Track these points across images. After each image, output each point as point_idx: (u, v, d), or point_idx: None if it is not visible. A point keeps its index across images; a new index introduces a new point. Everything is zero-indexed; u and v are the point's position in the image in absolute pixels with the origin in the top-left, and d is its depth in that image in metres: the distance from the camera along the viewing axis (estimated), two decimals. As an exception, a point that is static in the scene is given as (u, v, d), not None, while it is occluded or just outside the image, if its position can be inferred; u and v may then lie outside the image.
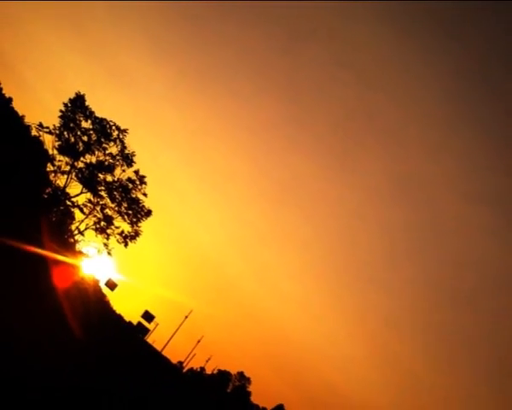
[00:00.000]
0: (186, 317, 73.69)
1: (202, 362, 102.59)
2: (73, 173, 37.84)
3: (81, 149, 37.76)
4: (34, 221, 30.37)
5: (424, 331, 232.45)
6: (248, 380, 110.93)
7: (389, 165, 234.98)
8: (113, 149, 38.46)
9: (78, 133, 37.59)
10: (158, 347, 66.21)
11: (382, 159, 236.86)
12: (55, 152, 37.31)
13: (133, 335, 58.40)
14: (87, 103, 37.54)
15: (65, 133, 37.29)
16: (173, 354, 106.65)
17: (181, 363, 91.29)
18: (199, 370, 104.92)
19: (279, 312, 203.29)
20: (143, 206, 39.75)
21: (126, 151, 38.62)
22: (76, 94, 37.39)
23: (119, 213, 39.33)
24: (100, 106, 38.95)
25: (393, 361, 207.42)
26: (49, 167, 37.39)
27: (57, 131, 37.02)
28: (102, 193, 38.84)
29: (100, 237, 39.19)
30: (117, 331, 47.14)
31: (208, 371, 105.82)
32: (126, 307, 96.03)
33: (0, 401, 12.89)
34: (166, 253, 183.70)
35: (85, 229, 39.35)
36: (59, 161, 37.55)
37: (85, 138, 37.79)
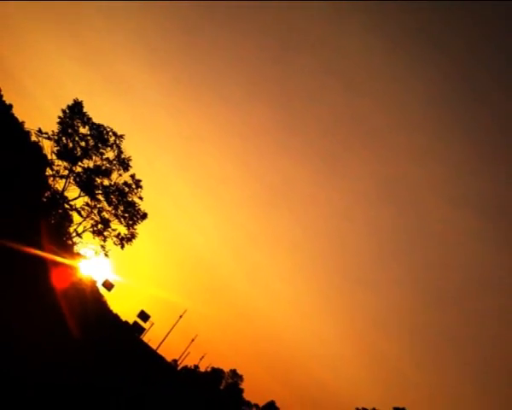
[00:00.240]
0: (180, 316, 73.67)
1: (196, 360, 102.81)
2: (71, 178, 37.81)
3: (79, 154, 37.74)
4: (34, 224, 30.34)
5: (411, 331, 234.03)
6: (241, 377, 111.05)
7: (377, 169, 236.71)
8: (110, 154, 38.51)
9: (76, 139, 37.56)
10: (153, 345, 66.15)
11: (370, 163, 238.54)
12: (54, 157, 37.27)
13: (129, 334, 58.23)
14: (85, 110, 37.52)
15: (63, 139, 37.25)
16: (168, 353, 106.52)
17: (175, 361, 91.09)
18: (193, 368, 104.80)
19: (270, 311, 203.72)
20: (139, 209, 39.78)
21: (123, 156, 38.66)
22: (74, 101, 37.37)
23: (116, 215, 39.32)
24: (97, 112, 38.97)
25: (381, 360, 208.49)
26: (48, 172, 37.35)
27: (56, 137, 36.97)
28: (100, 196, 38.84)
29: (97, 239, 39.19)
30: (114, 330, 47.04)
31: (202, 369, 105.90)
32: (123, 306, 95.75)
33: (1, 398, 12.96)
34: (161, 254, 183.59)
35: (83, 231, 39.31)
36: (57, 165, 37.53)
37: (83, 144, 37.77)
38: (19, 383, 14.84)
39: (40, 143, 36.55)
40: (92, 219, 39.01)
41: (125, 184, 39.14)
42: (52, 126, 37.02)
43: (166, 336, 70.56)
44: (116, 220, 39.37)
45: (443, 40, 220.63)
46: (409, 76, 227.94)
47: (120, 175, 38.99)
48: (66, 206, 38.61)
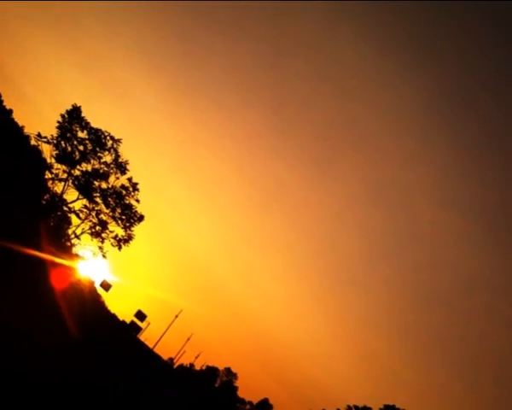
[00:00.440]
0: (176, 316, 73.50)
1: (192, 359, 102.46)
2: (70, 181, 37.84)
3: (77, 157, 37.78)
4: (33, 226, 30.30)
5: (401, 330, 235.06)
6: (235, 375, 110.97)
7: (367, 172, 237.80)
8: (108, 157, 38.62)
9: (75, 143, 37.62)
10: (150, 344, 66.02)
11: (361, 167, 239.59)
12: (53, 161, 37.32)
13: (126, 333, 58.13)
14: (83, 115, 37.63)
15: (62, 143, 37.29)
16: (164, 351, 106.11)
17: (171, 359, 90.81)
18: (188, 366, 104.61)
19: (264, 311, 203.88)
20: (136, 211, 39.88)
21: (120, 160, 38.77)
22: (72, 106, 37.46)
23: (113, 218, 39.38)
24: (95, 117, 39.09)
25: (372, 358, 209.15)
26: (48, 175, 37.33)
27: (55, 141, 37.03)
28: (97, 199, 38.88)
29: (95, 240, 39.25)
30: (111, 330, 46.94)
31: (197, 367, 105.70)
32: (120, 306, 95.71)
33: (1, 396, 13.01)
34: (158, 255, 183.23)
35: (81, 233, 39.34)
36: (56, 169, 37.57)
37: (81, 148, 37.82)
38: (19, 380, 14.89)
39: (40, 147, 36.60)
40: (90, 221, 39.07)
41: (123, 186, 39.24)
42: (51, 131, 37.15)
43: (163, 335, 70.41)
44: (113, 222, 39.45)
45: (431, 48, 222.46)
46: (399, 82, 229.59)
47: (118, 178, 39.14)
48: (65, 208, 38.59)
